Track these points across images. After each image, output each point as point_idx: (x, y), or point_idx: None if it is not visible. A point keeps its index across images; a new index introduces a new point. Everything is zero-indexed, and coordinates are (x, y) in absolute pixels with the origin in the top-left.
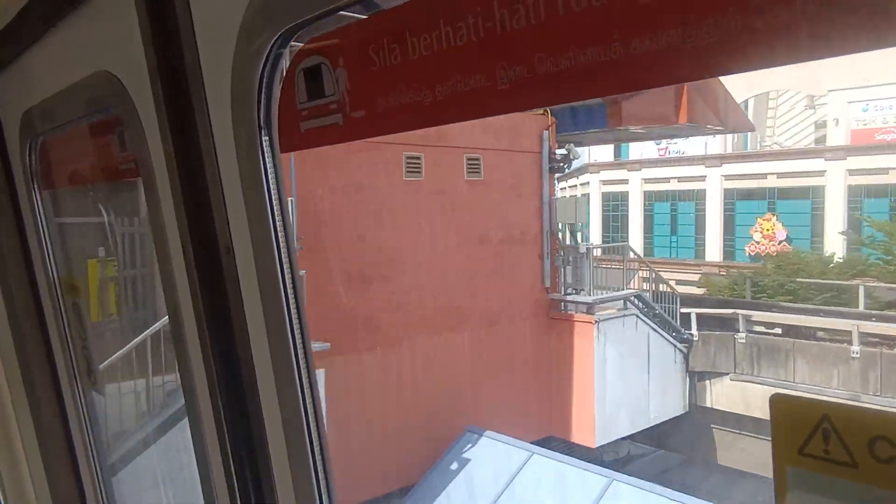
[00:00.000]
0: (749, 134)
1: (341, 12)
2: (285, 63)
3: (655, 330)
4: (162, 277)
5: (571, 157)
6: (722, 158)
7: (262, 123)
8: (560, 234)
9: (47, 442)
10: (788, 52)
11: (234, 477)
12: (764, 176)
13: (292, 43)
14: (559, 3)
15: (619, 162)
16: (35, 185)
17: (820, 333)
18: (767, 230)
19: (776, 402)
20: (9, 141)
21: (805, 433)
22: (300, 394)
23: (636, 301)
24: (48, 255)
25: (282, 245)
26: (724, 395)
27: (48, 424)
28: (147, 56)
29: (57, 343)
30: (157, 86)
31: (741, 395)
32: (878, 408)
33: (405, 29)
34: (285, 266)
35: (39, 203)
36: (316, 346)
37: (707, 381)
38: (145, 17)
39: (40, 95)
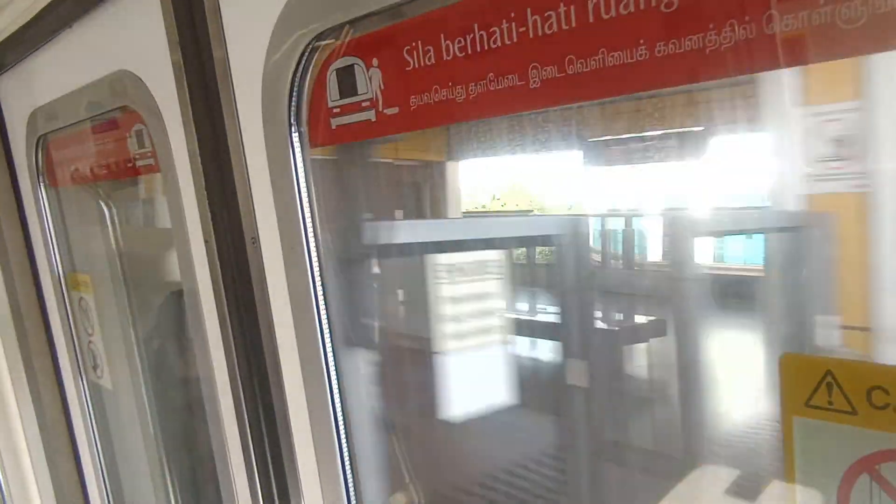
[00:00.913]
0: None
1: (379, 16)
2: (319, 61)
3: None
4: (182, 271)
5: None
6: None
7: (292, 118)
8: None
9: (50, 437)
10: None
11: (257, 477)
12: None
13: (329, 42)
14: (589, 11)
15: None
16: (41, 183)
17: None
18: None
19: (785, 360)
20: (17, 140)
21: (811, 387)
22: (328, 389)
23: None
24: (53, 252)
25: (310, 236)
26: None
27: (52, 421)
28: (173, 55)
29: (62, 339)
30: (182, 84)
31: None
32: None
33: (440, 32)
34: (313, 257)
35: (44, 200)
36: None
37: None
38: (172, 17)
39: (53, 94)
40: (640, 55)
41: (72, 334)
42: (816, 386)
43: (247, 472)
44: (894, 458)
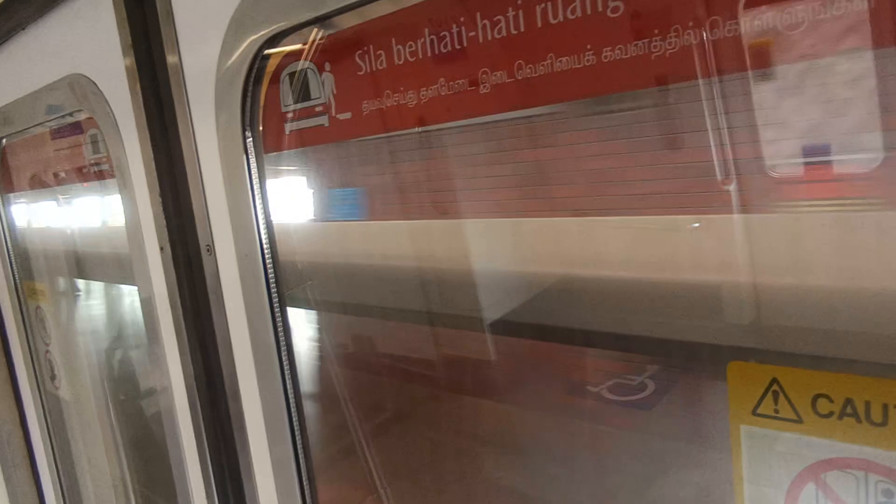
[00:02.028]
0: None
1: (330, 19)
2: (272, 66)
3: None
4: (137, 278)
5: None
6: None
7: (245, 124)
8: None
9: (7, 451)
10: None
11: (214, 484)
12: None
13: (281, 46)
14: (537, 17)
15: None
16: None
17: None
18: None
19: (732, 368)
20: None
21: (758, 395)
22: (284, 394)
23: None
24: (9, 259)
25: (265, 243)
26: None
27: (7, 433)
28: (126, 59)
29: (18, 349)
30: (136, 88)
31: None
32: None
33: (392, 36)
34: (268, 263)
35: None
36: None
37: None
38: (125, 20)
39: (7, 98)
40: (588, 61)
41: (29, 344)
42: (763, 394)
43: (203, 478)
44: (839, 467)
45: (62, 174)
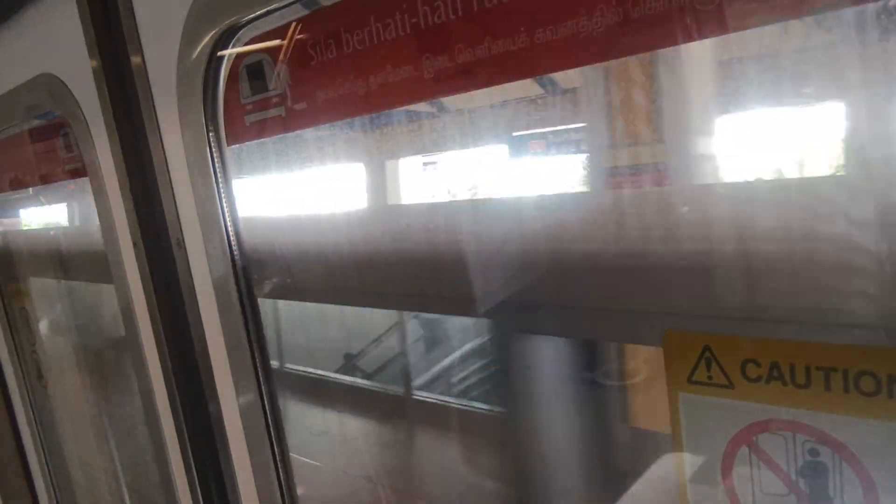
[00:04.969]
0: None
1: (282, 11)
2: (230, 59)
3: None
4: (113, 275)
5: None
6: None
7: (208, 119)
8: None
9: None
10: None
11: (196, 476)
12: None
13: (237, 40)
14: (473, 1)
15: None
16: None
17: None
18: None
19: (667, 337)
20: None
21: (692, 363)
22: (257, 385)
23: None
24: None
25: (231, 236)
26: None
27: None
28: (91, 57)
29: (5, 350)
30: (102, 87)
31: None
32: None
33: (340, 26)
34: (236, 256)
35: None
36: None
37: None
38: (88, 20)
39: None
40: (522, 42)
41: (15, 345)
42: (696, 362)
43: (185, 466)
44: (769, 429)
45: (38, 175)
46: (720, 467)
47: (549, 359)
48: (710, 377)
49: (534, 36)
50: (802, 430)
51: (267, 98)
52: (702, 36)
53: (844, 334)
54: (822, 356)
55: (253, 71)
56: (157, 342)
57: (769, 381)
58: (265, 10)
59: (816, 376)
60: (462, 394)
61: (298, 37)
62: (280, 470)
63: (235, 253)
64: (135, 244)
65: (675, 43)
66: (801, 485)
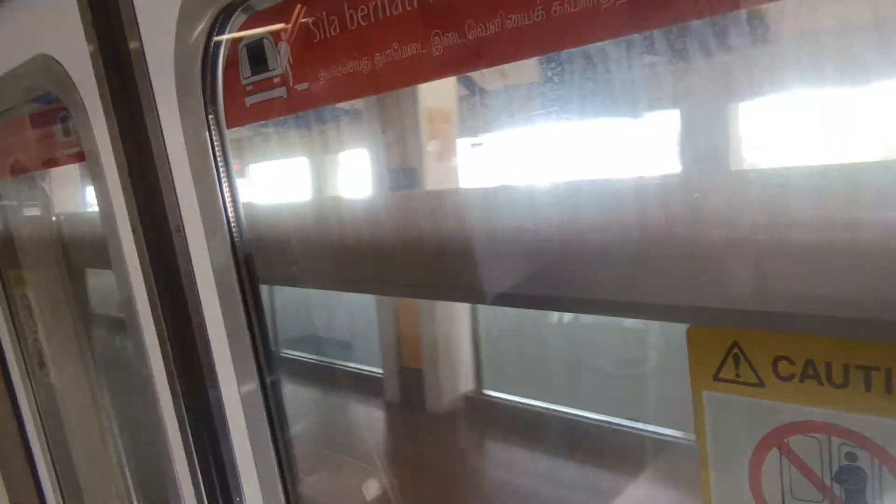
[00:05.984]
0: None
1: None
2: (229, 40)
3: None
4: (113, 261)
5: None
6: None
7: (207, 101)
8: None
9: (1, 439)
10: None
11: (196, 461)
12: None
13: (236, 20)
14: None
15: None
16: None
17: None
18: None
19: (691, 333)
20: None
21: (718, 360)
22: (257, 371)
23: None
24: None
25: (232, 222)
26: None
27: (1, 422)
28: (89, 41)
29: (6, 337)
30: (100, 70)
31: None
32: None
33: (343, 1)
34: (237, 242)
35: None
36: None
37: None
38: (86, 2)
39: None
40: (537, 17)
41: (17, 332)
42: (724, 358)
43: (185, 452)
44: (802, 431)
45: (39, 159)
46: (748, 470)
47: None
48: (737, 374)
49: (550, 10)
50: (839, 432)
51: (268, 78)
52: (735, 7)
53: (888, 331)
54: (862, 354)
55: (253, 52)
56: (157, 329)
57: (803, 380)
58: None
59: (856, 375)
60: None
61: (299, 14)
62: (281, 455)
63: (236, 239)
64: (133, 231)
65: (703, 15)
66: (836, 490)
